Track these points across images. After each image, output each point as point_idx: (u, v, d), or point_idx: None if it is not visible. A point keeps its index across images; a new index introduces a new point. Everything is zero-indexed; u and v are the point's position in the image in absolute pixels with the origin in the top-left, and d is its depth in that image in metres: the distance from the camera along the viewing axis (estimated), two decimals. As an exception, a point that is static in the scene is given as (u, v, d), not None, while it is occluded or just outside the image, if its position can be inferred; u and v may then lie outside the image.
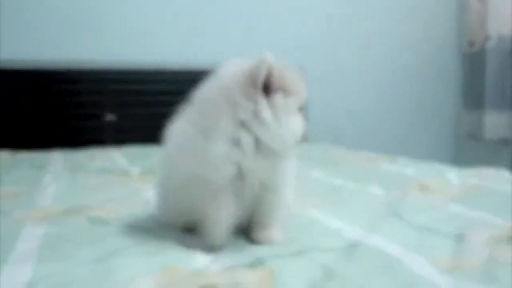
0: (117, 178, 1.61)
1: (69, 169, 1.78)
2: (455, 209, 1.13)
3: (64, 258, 0.81)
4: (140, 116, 2.67)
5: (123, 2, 2.71)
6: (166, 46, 2.78)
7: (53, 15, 2.58)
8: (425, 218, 1.02)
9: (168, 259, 0.79)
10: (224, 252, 0.84)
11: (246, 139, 0.82)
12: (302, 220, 1.04)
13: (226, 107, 0.82)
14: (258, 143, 0.82)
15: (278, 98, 0.82)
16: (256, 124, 0.81)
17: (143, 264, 0.77)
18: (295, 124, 0.85)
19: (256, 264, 0.77)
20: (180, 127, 0.90)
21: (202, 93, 0.89)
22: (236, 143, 0.82)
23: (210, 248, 0.85)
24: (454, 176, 1.53)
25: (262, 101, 0.81)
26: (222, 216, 0.85)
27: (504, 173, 1.57)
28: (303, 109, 0.87)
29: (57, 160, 2.00)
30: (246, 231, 0.92)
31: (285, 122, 0.83)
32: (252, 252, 0.83)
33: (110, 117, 2.61)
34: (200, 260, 0.80)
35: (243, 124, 0.82)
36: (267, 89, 0.82)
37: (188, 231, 0.93)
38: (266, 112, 0.81)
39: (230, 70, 0.86)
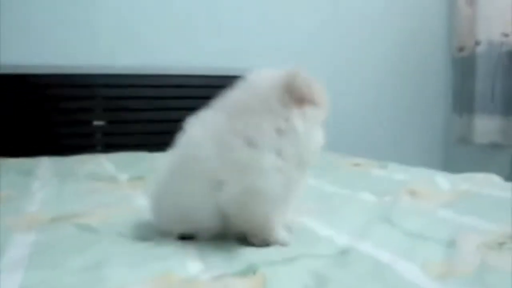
0: (105, 185, 1.59)
1: (58, 175, 1.76)
2: (445, 214, 1.13)
3: (53, 266, 0.80)
4: (129, 122, 2.65)
5: (111, 7, 2.69)
6: (155, 51, 2.76)
7: (39, 20, 2.55)
8: (416, 224, 1.02)
9: (159, 267, 0.79)
10: (216, 259, 0.83)
11: (289, 149, 0.85)
12: (294, 226, 1.03)
13: (266, 116, 0.85)
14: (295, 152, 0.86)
15: (308, 109, 0.87)
16: (290, 133, 0.85)
17: (134, 272, 0.76)
18: (320, 137, 0.90)
19: (248, 271, 0.77)
20: (203, 134, 0.90)
21: (235, 101, 0.90)
22: (279, 153, 0.85)
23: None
24: (444, 181, 1.53)
25: (296, 111, 0.86)
26: (278, 222, 0.91)
27: (493, 178, 1.57)
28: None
29: (45, 166, 1.98)
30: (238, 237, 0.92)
31: (313, 133, 0.88)
32: (244, 259, 0.82)
33: (99, 122, 2.59)
34: (191, 268, 0.79)
35: (281, 133, 0.85)
36: (300, 100, 0.86)
37: (182, 238, 0.93)
38: (298, 122, 0.85)
39: (264, 79, 0.89)
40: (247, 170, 0.84)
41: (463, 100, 3.34)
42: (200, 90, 2.68)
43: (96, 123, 2.59)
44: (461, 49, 3.34)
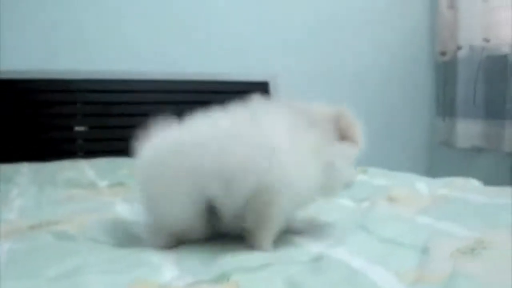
0: (85, 192, 1.58)
1: (37, 182, 1.73)
2: (422, 220, 1.13)
3: (29, 275, 0.80)
4: (111, 127, 2.63)
5: (93, 12, 2.68)
6: (137, 57, 2.74)
7: (20, 25, 2.53)
8: (391, 230, 1.02)
9: (135, 274, 0.79)
10: (190, 265, 0.83)
11: (323, 180, 0.95)
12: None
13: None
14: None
15: (347, 146, 0.98)
16: (329, 166, 0.95)
17: (110, 280, 0.76)
18: (350, 174, 1.01)
19: (221, 278, 0.77)
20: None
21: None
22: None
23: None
24: (424, 186, 1.53)
25: (338, 147, 0.97)
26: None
27: (473, 182, 1.58)
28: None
29: (25, 173, 1.95)
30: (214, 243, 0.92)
31: (346, 169, 0.98)
32: (218, 265, 0.82)
33: (80, 128, 2.57)
34: (167, 274, 0.80)
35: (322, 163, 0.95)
36: (343, 137, 0.98)
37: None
38: (338, 157, 0.96)
39: (318, 111, 1.02)
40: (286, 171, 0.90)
41: (445, 104, 3.36)
42: (183, 95, 2.68)
43: (77, 128, 2.57)
44: (443, 53, 3.36)
